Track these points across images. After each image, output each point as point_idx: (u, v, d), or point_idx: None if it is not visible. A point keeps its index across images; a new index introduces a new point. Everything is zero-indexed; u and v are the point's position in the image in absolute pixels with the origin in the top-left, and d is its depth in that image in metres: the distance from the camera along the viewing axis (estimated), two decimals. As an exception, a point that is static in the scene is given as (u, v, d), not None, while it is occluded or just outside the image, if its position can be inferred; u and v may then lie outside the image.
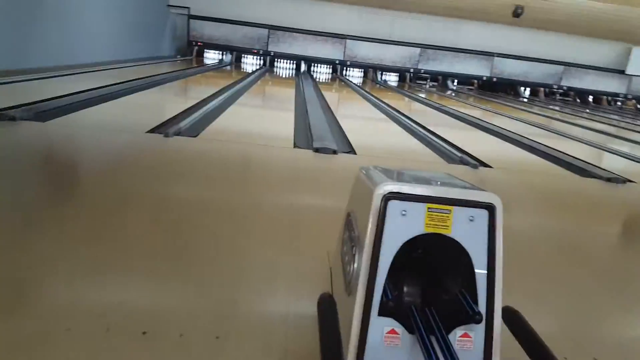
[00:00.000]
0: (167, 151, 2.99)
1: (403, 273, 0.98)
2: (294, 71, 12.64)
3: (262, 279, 1.47)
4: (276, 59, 12.82)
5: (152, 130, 3.41)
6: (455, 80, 13.66)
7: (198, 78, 8.38)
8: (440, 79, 13.75)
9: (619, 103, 14.19)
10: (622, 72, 13.43)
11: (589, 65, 13.47)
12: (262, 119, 5.14)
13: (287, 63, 12.93)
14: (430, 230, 0.94)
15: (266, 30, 12.38)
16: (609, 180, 3.46)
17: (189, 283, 1.41)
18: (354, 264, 0.99)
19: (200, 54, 12.46)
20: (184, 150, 3.08)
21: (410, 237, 0.94)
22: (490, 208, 0.95)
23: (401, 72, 13.37)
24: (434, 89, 12.67)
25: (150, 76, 6.78)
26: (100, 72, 6.68)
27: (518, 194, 2.97)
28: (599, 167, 3.85)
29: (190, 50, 12.24)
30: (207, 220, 1.93)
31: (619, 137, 6.90)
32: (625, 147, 5.72)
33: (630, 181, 3.52)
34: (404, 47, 12.88)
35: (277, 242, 1.77)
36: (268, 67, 12.60)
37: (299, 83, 9.31)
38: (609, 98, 14.05)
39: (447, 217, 0.94)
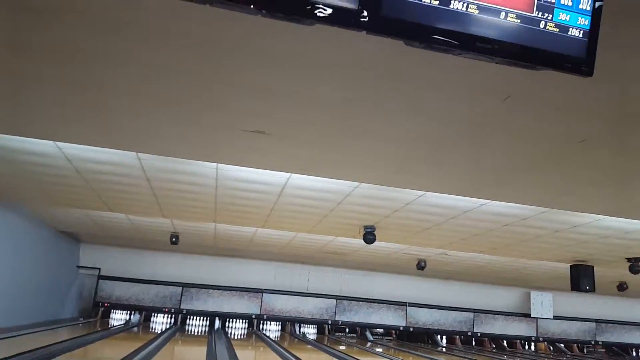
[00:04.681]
0: None
1: None
2: (207, 328, 12.09)
3: None
4: (188, 317, 12.31)
5: None
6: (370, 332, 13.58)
7: (99, 345, 7.71)
8: (358, 330, 13.62)
9: (532, 347, 14.49)
10: (528, 315, 14.05)
11: (497, 311, 14.04)
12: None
13: (199, 320, 12.41)
14: None
15: (179, 288, 12.15)
16: None
17: None
18: None
19: (106, 315, 11.74)
20: None
21: None
22: None
23: (319, 324, 13.17)
24: (354, 341, 12.43)
25: (42, 347, 6.11)
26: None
27: None
28: None
29: (95, 312, 11.55)
30: None
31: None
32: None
33: None
34: (320, 298, 12.95)
35: None
36: (179, 325, 12.00)
37: (211, 342, 8.81)
38: (523, 342, 14.36)
39: None
